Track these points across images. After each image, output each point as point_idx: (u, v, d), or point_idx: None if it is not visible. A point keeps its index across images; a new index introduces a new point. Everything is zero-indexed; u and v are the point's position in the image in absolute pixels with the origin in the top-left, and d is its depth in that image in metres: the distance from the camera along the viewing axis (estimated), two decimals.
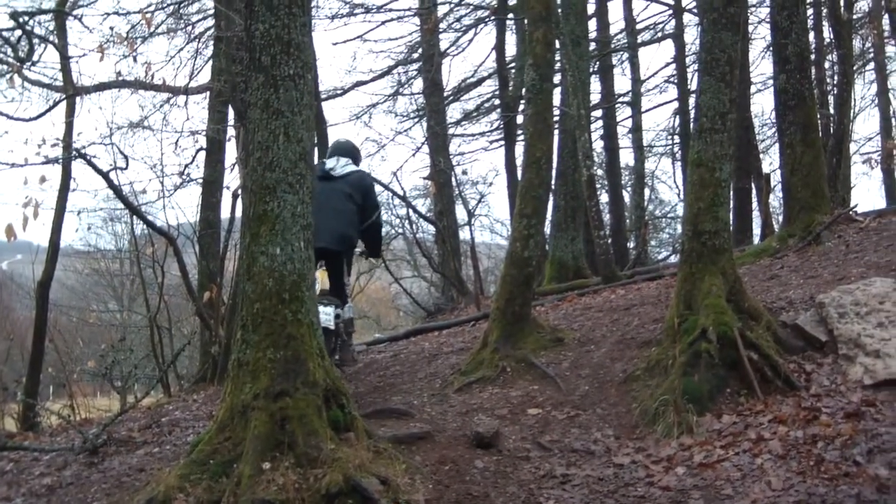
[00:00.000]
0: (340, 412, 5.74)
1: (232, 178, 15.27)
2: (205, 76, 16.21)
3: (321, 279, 8.12)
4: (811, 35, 21.60)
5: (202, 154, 14.81)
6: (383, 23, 23.47)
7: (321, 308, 7.21)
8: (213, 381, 10.88)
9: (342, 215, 8.77)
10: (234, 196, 11.47)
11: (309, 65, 5.99)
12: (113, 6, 14.56)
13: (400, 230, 23.46)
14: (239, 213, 9.61)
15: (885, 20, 22.01)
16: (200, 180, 14.88)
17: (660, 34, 28.47)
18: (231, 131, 14.36)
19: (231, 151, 14.94)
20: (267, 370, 5.48)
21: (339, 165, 8.95)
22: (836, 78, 21.94)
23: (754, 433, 5.97)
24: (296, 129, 5.79)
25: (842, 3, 21.09)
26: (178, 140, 14.77)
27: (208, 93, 14.60)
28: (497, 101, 24.33)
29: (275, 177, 5.71)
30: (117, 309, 29.95)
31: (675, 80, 27.31)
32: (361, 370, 9.97)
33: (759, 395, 6.50)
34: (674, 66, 27.59)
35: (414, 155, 25.14)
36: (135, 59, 14.12)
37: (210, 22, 15.88)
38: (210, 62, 15.59)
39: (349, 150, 9.23)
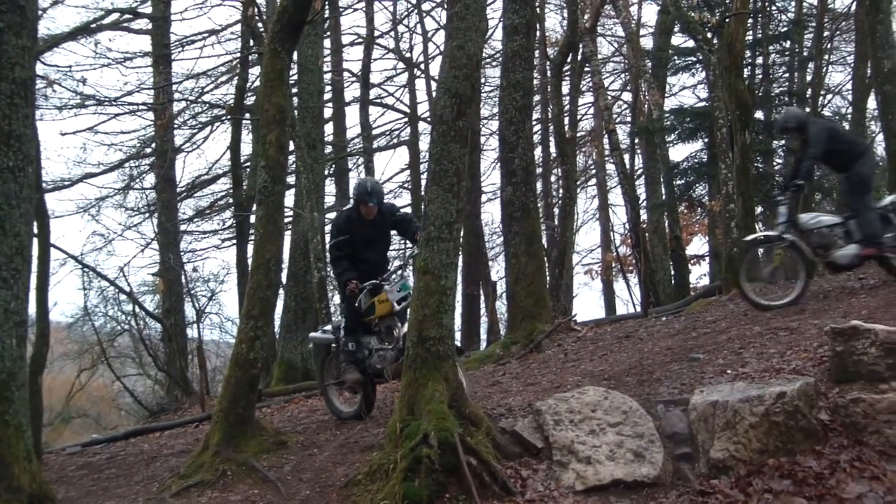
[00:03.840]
0: None
1: None
2: None
3: None
4: (538, 150, 22.61)
5: None
6: (116, 116, 23.08)
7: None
8: None
9: None
10: None
11: (31, 157, 5.80)
12: None
13: (125, 326, 22.83)
14: None
15: (606, 140, 23.28)
16: None
17: (395, 140, 29.16)
18: None
19: None
20: None
21: None
22: (560, 192, 22.94)
23: None
24: (13, 223, 5.58)
25: (566, 121, 22.18)
26: None
27: None
28: (230, 200, 24.21)
29: None
30: None
31: (409, 186, 27.94)
32: (74, 473, 9.57)
33: (476, 501, 6.58)
34: (408, 172, 28.26)
35: (143, 251, 24.59)
36: None
37: None
38: None
39: None
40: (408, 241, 9.69)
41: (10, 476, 5.28)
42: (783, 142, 22.31)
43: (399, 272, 9.99)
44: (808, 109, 21.73)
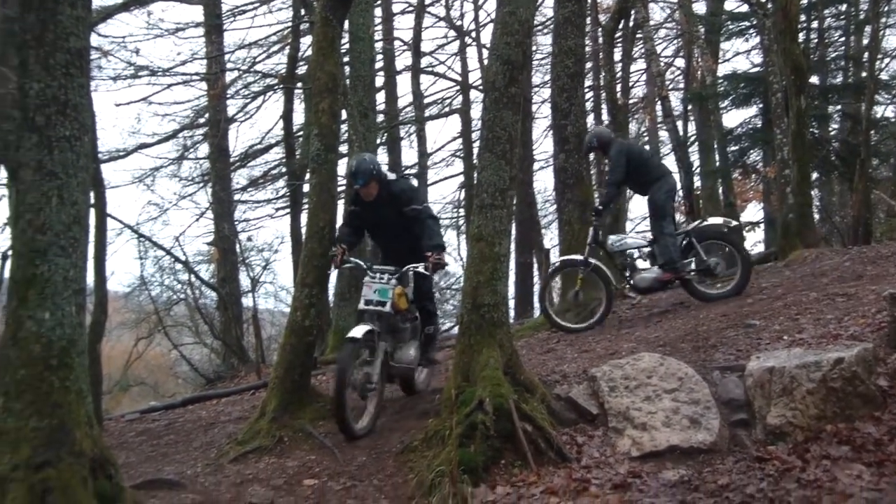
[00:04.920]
0: (108, 483, 5.53)
1: (2, 240, 14.72)
2: None
3: None
4: (590, 117, 22.45)
5: None
6: (169, 86, 23.19)
7: None
8: None
9: None
10: (3, 258, 11.06)
11: (87, 126, 5.83)
12: None
13: (181, 296, 23.02)
14: (7, 275, 9.26)
15: (658, 106, 23.09)
16: None
17: (447, 109, 29.07)
18: (2, 191, 13.84)
19: (1, 212, 14.40)
20: (29, 439, 5.22)
21: None
22: None
23: None
24: (70, 192, 5.61)
25: (619, 88, 21.98)
26: None
27: None
28: (284, 169, 24.27)
29: (46, 240, 5.50)
30: None
31: (461, 155, 27.88)
32: (134, 439, 9.70)
33: (532, 467, 6.60)
34: (460, 140, 28.18)
35: (198, 220, 24.71)
36: None
37: None
38: None
39: None
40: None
41: (72, 441, 5.35)
42: (839, 106, 22.16)
43: (387, 275, 8.52)
44: (863, 74, 21.40)
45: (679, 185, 17.10)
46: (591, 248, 11.59)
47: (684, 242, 11.28)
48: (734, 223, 11.97)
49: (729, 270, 11.77)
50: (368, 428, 8.08)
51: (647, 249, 11.44)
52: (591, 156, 13.21)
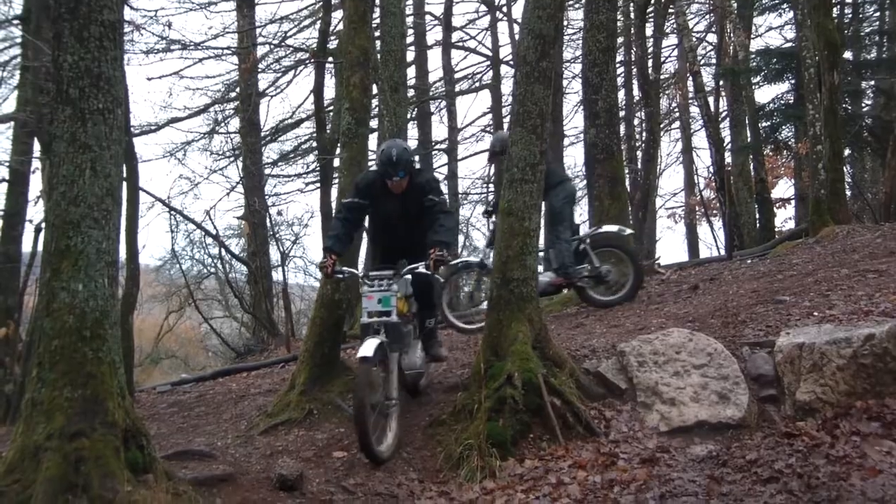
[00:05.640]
0: (140, 453, 5.58)
1: (35, 212, 14.82)
2: (9, 106, 15.70)
3: None
4: (621, 92, 22.30)
5: (4, 185, 14.30)
6: (201, 60, 23.25)
7: None
8: (5, 420, 10.47)
9: None
10: (37, 230, 11.15)
11: (120, 99, 5.86)
12: None
13: (212, 269, 23.12)
14: (41, 247, 9.33)
15: (690, 82, 22.92)
16: (1, 213, 14.35)
17: (477, 84, 28.95)
18: (36, 163, 13.92)
19: (35, 184, 14.48)
20: (63, 409, 5.28)
21: None
22: (644, 135, 22.61)
23: (554, 478, 6.08)
24: (103, 164, 5.65)
25: (650, 63, 21.81)
26: None
27: (13, 123, 14.17)
28: (314, 144, 24.26)
29: (79, 212, 5.54)
30: None
31: (492, 130, 27.77)
32: (165, 410, 9.77)
33: (560, 441, 6.63)
34: (490, 115, 28.07)
35: (228, 194, 24.75)
36: None
37: (17, 50, 15.47)
38: (16, 91, 15.13)
39: None
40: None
41: (104, 411, 5.40)
42: (872, 82, 21.94)
43: (386, 280, 7.70)
44: None
45: (710, 161, 17.01)
46: (489, 250, 11.54)
47: (579, 248, 11.31)
48: (629, 231, 12.05)
49: (621, 277, 11.75)
50: (393, 448, 7.20)
51: (542, 254, 11.46)
52: (493, 164, 13.21)
